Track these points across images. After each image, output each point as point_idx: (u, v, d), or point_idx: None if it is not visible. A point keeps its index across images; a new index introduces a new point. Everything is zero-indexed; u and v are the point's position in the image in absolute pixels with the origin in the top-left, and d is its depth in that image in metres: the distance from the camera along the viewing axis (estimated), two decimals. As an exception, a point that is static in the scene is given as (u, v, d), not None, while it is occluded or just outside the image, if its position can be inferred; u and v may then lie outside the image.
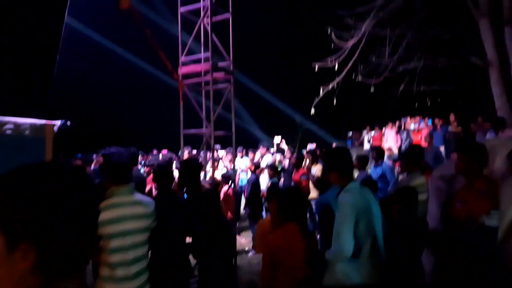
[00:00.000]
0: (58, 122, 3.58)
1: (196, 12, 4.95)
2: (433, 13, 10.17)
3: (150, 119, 17.29)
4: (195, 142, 5.34)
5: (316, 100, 11.42)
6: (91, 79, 16.11)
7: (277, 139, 10.60)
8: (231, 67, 5.04)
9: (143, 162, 7.40)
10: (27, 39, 3.59)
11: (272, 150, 10.58)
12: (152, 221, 3.03)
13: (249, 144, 10.16)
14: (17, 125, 3.27)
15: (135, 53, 16.98)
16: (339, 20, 10.66)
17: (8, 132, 3.20)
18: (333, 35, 10.55)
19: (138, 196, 3.01)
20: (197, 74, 4.98)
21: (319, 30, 11.17)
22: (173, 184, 3.88)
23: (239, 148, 9.80)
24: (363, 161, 6.28)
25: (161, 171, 3.71)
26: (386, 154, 8.80)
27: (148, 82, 17.59)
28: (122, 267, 2.78)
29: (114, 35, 15.89)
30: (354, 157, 6.73)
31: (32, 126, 3.38)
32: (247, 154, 9.57)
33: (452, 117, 12.46)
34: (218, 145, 9.47)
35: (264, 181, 7.49)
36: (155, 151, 8.40)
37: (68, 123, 3.70)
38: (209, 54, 4.76)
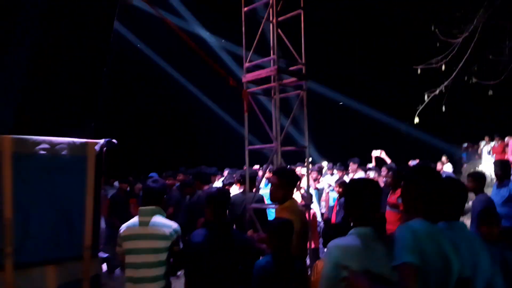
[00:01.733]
0: (101, 141, 3.23)
1: (263, 11, 4.35)
2: None
3: (215, 136, 17.10)
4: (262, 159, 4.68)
5: (421, 107, 9.99)
6: (142, 95, 16.27)
7: (375, 152, 9.38)
8: (304, 70, 4.29)
9: (223, 180, 7.00)
10: (70, 47, 3.30)
11: (370, 165, 9.38)
12: (171, 242, 3.15)
13: (335, 161, 9.13)
14: (53, 144, 2.97)
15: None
16: (445, 14, 9.15)
17: (42, 152, 2.90)
18: (437, 31, 9.06)
19: (157, 217, 3.20)
20: (265, 81, 4.34)
21: (420, 27, 9.77)
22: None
23: (329, 165, 8.88)
24: (479, 180, 4.92)
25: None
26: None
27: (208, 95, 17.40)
28: (130, 283, 3.10)
29: (165, 50, 15.61)
30: (468, 174, 5.41)
31: (71, 145, 3.06)
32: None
33: None
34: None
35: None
36: (226, 171, 7.99)
37: (114, 141, 3.34)
38: (277, 57, 4.09)
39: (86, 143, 3.13)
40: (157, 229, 3.13)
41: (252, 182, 4.68)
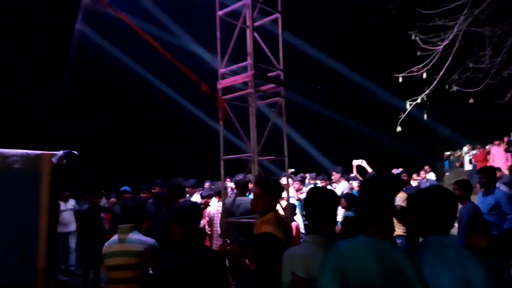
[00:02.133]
0: (59, 153, 2.95)
1: (238, 15, 4.14)
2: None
3: (189, 146, 16.58)
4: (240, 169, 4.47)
5: (403, 115, 9.94)
6: (117, 104, 15.44)
7: (356, 161, 9.22)
8: (282, 76, 4.10)
9: (201, 193, 6.71)
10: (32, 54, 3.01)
11: (352, 174, 9.22)
12: (144, 259, 3.14)
13: (316, 171, 8.92)
14: (3, 157, 2.68)
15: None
16: (425, 22, 9.12)
17: (-9, 165, 2.61)
18: (418, 39, 9.03)
19: (134, 235, 3.23)
20: (242, 88, 4.12)
21: (399, 35, 9.76)
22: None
23: (312, 175, 8.69)
24: (466, 187, 4.78)
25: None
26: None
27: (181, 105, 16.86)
28: None
29: (136, 53, 14.79)
30: (454, 181, 5.27)
31: (24, 157, 2.77)
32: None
33: None
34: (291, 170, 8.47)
35: (339, 214, 6.28)
36: (207, 183, 7.74)
37: (75, 152, 3.05)
38: (253, 62, 3.88)
39: (41, 155, 2.85)
40: (133, 245, 3.18)
41: (244, 188, 4.51)
